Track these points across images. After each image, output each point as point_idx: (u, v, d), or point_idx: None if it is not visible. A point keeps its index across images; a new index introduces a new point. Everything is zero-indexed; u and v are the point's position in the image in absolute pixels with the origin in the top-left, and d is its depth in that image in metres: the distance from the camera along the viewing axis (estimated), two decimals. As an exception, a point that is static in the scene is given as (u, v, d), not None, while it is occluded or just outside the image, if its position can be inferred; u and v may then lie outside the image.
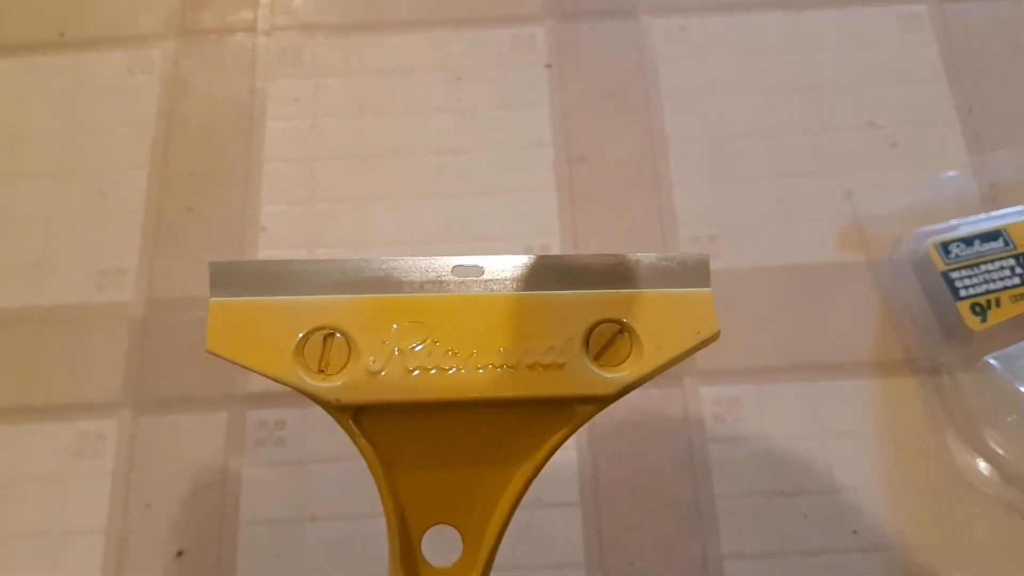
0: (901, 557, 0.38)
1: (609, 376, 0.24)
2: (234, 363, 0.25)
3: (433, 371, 0.24)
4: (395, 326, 0.24)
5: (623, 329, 0.24)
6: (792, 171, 0.45)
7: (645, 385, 0.40)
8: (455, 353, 0.24)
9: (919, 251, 0.42)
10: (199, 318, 0.43)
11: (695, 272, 0.25)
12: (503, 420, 0.24)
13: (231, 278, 0.25)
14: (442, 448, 0.24)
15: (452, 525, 0.25)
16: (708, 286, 0.25)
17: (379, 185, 0.45)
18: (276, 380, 0.24)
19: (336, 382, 0.24)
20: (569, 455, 0.40)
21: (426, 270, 0.24)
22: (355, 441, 0.24)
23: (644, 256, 0.24)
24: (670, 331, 0.24)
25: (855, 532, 0.38)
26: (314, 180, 0.45)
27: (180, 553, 0.39)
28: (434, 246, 0.44)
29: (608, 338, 0.24)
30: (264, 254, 0.44)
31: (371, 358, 0.24)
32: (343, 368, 0.24)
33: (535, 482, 0.38)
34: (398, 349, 0.24)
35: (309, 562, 0.38)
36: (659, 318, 0.24)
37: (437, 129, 0.47)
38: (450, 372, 0.24)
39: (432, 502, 0.25)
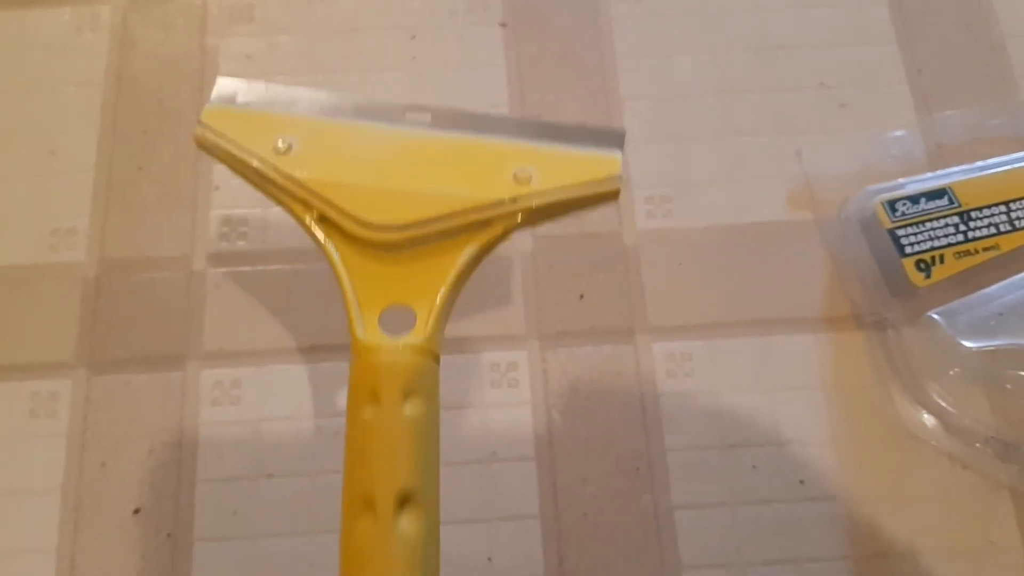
0: (847, 506, 0.39)
1: (519, 188, 0.31)
2: (219, 146, 0.32)
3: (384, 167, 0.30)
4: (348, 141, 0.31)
5: (541, 169, 0.31)
6: (744, 131, 0.46)
7: (598, 342, 0.41)
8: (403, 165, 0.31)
9: (866, 209, 0.42)
10: (152, 278, 0.43)
11: (611, 138, 0.32)
12: (440, 223, 0.30)
13: (230, 98, 0.33)
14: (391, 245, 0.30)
15: (406, 304, 0.29)
16: (620, 149, 0.31)
17: (334, 144, 0.45)
18: (250, 163, 0.31)
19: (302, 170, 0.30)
20: (524, 411, 0.41)
21: (386, 108, 0.32)
22: (318, 242, 0.30)
23: (568, 122, 0.32)
24: (574, 172, 0.31)
25: (802, 482, 0.39)
26: (268, 139, 0.45)
27: (137, 511, 0.39)
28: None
29: (529, 176, 0.31)
30: (217, 213, 0.44)
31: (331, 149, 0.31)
32: (302, 163, 0.31)
33: (491, 437, 0.39)
34: (353, 156, 0.31)
35: (265, 519, 0.39)
36: (568, 163, 0.31)
37: (391, 88, 0.46)
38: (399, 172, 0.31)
39: (386, 287, 0.29)
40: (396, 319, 0.30)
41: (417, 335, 0.29)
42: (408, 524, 0.26)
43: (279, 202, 0.32)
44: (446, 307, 0.30)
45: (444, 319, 0.30)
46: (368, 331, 0.29)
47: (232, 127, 0.31)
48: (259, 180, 0.32)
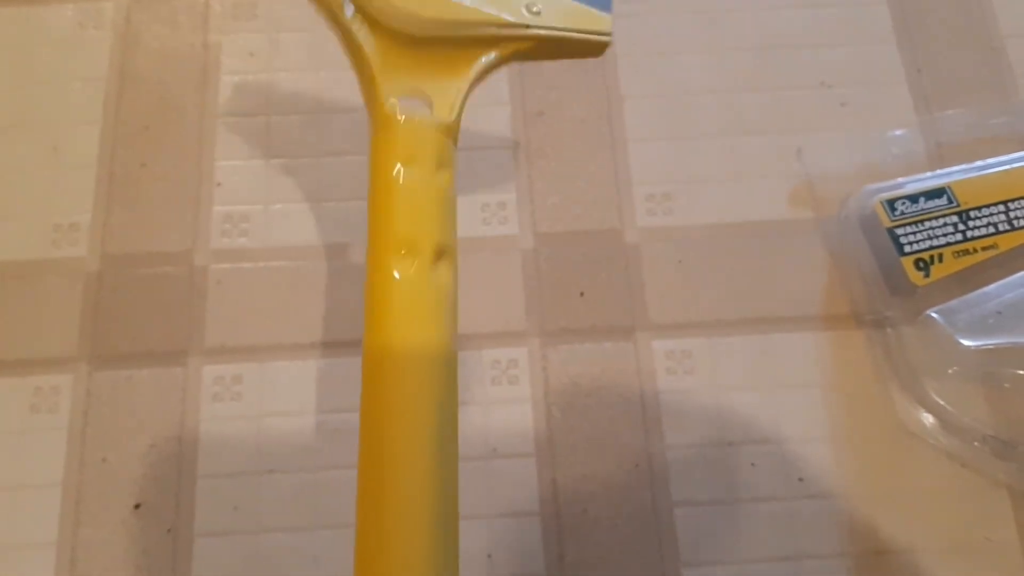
0: (845, 504, 0.39)
1: (532, 18, 0.34)
2: None
3: None
4: None
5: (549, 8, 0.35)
6: (745, 129, 0.46)
7: (599, 339, 0.42)
8: None
9: (866, 208, 0.43)
10: (154, 273, 0.43)
11: (603, 2, 0.36)
12: (460, 29, 0.33)
13: None
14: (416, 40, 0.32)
15: (425, 92, 0.32)
16: (609, 12, 0.36)
17: (336, 141, 0.45)
18: None
19: None
20: (524, 408, 0.41)
21: None
22: (340, 21, 0.32)
23: None
24: (576, 20, 0.35)
25: (801, 480, 0.39)
26: (270, 135, 0.45)
27: (138, 506, 0.39)
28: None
29: (538, 12, 0.35)
30: (220, 210, 0.44)
31: None
32: None
33: (491, 434, 0.39)
34: None
35: (267, 514, 0.39)
36: (571, 11, 0.35)
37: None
38: None
39: (407, 74, 0.32)
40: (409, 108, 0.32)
41: (444, 116, 0.31)
42: (444, 273, 0.28)
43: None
44: (463, 101, 0.33)
45: (461, 111, 0.32)
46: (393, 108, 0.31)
47: None
48: None
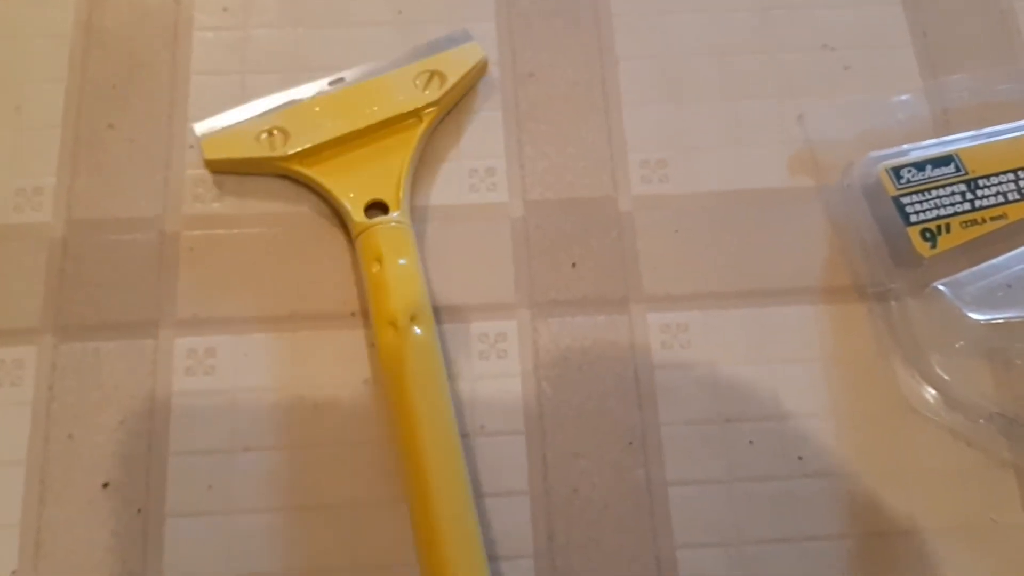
0: (846, 482, 0.38)
1: (429, 93, 0.42)
2: (225, 160, 0.41)
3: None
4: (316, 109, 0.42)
5: (433, 74, 0.43)
6: (744, 93, 0.44)
7: (591, 312, 0.40)
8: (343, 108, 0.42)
9: (870, 176, 0.41)
10: (123, 240, 0.41)
11: (462, 38, 0.44)
12: (383, 129, 0.42)
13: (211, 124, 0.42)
14: (356, 154, 0.42)
15: (380, 198, 0.40)
16: (472, 40, 0.44)
17: (315, 102, 0.43)
18: (252, 158, 0.41)
19: (285, 149, 0.41)
20: (514, 383, 0.39)
21: (315, 88, 0.43)
22: (302, 174, 0.41)
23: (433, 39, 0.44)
24: (458, 64, 0.43)
25: (800, 458, 0.38)
26: (244, 95, 0.43)
27: (106, 485, 0.37)
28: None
29: (426, 80, 0.43)
30: (192, 173, 0.42)
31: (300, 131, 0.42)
32: (286, 143, 0.41)
33: (479, 409, 0.37)
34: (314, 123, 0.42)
35: (241, 493, 0.37)
36: (452, 61, 0.43)
37: (376, 43, 0.44)
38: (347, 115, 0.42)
39: (363, 189, 0.41)
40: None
41: (397, 215, 0.40)
42: (419, 330, 0.37)
43: (282, 172, 0.42)
44: (406, 192, 0.41)
45: (407, 200, 0.41)
46: (363, 218, 0.40)
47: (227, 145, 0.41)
48: (259, 167, 0.42)
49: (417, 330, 0.37)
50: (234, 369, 0.39)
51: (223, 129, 0.42)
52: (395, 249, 0.39)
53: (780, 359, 0.40)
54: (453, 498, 0.36)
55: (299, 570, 0.36)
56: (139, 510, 0.37)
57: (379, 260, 0.39)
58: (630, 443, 0.38)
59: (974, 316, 0.38)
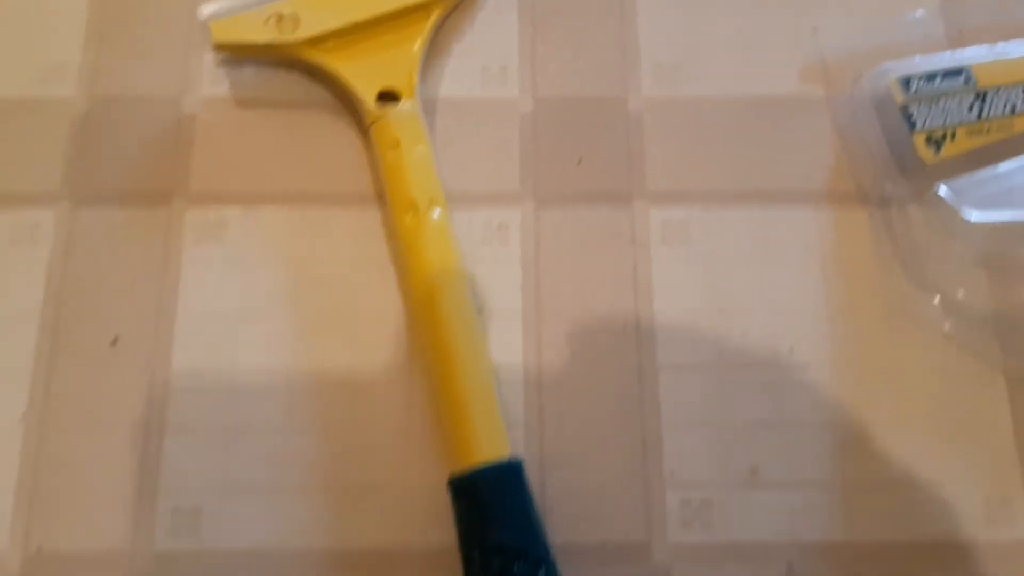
0: (835, 376, 0.38)
1: None
2: (234, 43, 0.41)
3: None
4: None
5: None
6: (760, 4, 0.44)
7: (594, 205, 0.40)
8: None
9: (879, 85, 0.41)
10: (142, 116, 0.42)
11: None
12: (395, 19, 0.42)
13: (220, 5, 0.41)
14: (367, 43, 0.42)
15: (393, 87, 0.41)
16: None
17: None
18: (260, 43, 0.41)
19: (296, 35, 0.41)
20: (513, 269, 0.40)
21: None
22: (312, 62, 0.41)
23: None
24: None
25: (791, 350, 0.38)
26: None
27: (115, 341, 0.38)
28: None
29: None
30: (212, 56, 0.43)
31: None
32: (296, 28, 0.41)
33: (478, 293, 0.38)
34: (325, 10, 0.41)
35: (244, 357, 0.38)
36: None
37: None
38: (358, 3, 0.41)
39: (376, 78, 0.41)
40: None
41: (408, 104, 0.41)
42: (436, 215, 0.38)
43: (292, 59, 0.42)
44: (418, 81, 0.41)
45: (419, 90, 0.41)
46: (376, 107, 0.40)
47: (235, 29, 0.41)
48: (269, 53, 0.42)
49: (435, 214, 0.38)
50: (244, 239, 0.40)
51: (231, 11, 0.41)
52: (412, 136, 0.40)
53: (779, 259, 0.40)
54: (478, 369, 0.37)
55: (301, 422, 0.37)
56: (145, 366, 0.38)
57: (395, 147, 0.39)
58: (624, 329, 0.39)
59: (973, 219, 0.38)
